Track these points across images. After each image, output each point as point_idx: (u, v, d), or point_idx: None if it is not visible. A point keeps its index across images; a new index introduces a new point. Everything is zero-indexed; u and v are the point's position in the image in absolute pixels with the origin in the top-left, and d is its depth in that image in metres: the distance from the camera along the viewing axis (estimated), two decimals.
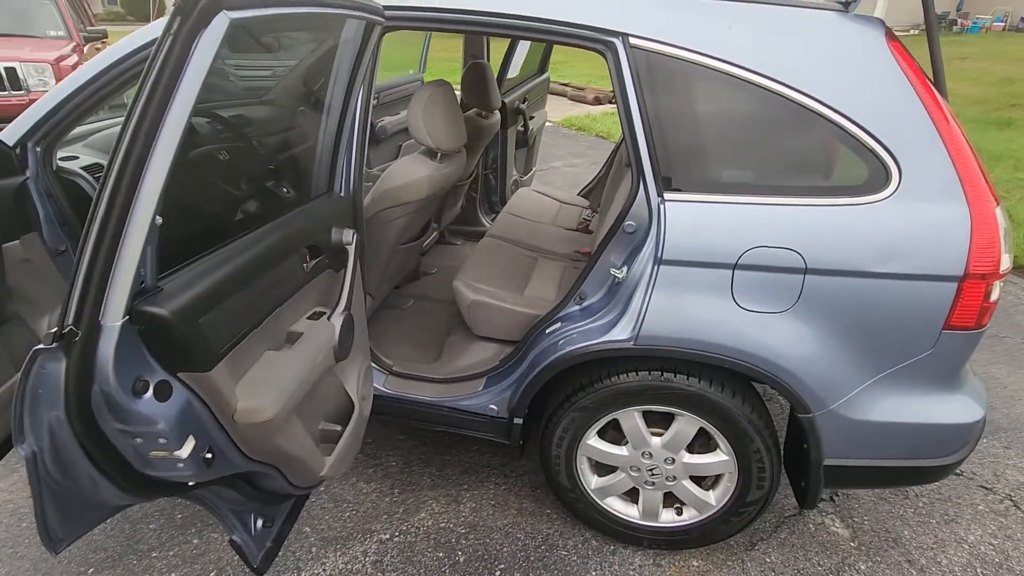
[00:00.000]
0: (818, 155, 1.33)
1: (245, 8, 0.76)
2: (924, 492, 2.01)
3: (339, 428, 1.34)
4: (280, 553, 1.72)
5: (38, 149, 1.72)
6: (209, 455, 0.85)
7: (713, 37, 1.31)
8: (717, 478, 1.63)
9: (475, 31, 1.60)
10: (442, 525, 1.83)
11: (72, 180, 1.80)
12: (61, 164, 1.83)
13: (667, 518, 1.71)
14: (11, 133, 1.67)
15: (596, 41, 1.37)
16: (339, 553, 1.73)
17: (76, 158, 1.88)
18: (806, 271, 1.30)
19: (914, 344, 1.33)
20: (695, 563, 1.72)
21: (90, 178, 1.83)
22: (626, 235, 1.44)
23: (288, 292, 1.05)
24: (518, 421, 1.65)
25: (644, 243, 1.39)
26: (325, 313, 1.20)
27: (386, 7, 1.42)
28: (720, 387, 1.46)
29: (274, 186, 1.28)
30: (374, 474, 2.02)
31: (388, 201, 1.72)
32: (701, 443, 1.59)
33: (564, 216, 2.68)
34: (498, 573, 1.68)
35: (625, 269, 1.43)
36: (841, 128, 1.27)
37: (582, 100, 9.56)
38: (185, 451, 0.79)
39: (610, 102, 9.45)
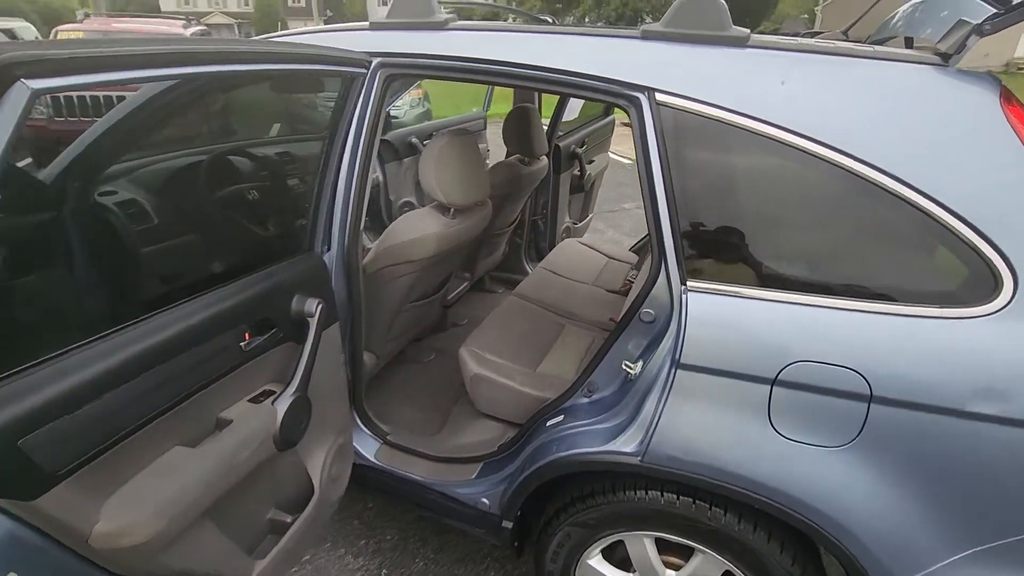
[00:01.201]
0: (897, 249, 1.02)
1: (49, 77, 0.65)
2: None
3: (290, 519, 1.18)
4: None
5: (76, 184, 1.78)
6: None
7: (760, 95, 1.06)
8: None
9: (483, 81, 1.45)
10: None
11: (106, 216, 1.84)
12: (98, 200, 1.88)
13: None
14: (53, 168, 1.73)
15: (619, 96, 1.16)
16: None
17: (115, 193, 1.93)
18: (871, 399, 0.99)
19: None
20: None
21: (122, 214, 1.87)
22: (644, 324, 1.19)
23: (210, 377, 0.91)
24: (507, 524, 1.42)
25: (663, 338, 1.14)
26: (275, 393, 1.06)
27: (385, 54, 1.30)
28: (752, 526, 1.15)
29: (203, 252, 1.18)
30: (365, 547, 1.85)
31: (391, 258, 1.58)
32: None
33: (609, 275, 2.42)
34: None
35: (640, 365, 1.18)
36: (929, 216, 0.96)
37: None
38: None
39: None
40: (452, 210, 1.63)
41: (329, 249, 1.38)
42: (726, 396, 1.08)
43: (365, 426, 1.66)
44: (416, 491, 1.57)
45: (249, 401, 1.03)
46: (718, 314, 1.08)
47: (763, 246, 1.10)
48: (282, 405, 1.04)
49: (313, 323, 1.11)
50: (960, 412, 0.95)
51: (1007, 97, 0.98)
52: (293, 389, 1.07)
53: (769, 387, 1.04)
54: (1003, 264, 0.94)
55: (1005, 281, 0.94)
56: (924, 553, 1.02)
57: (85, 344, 0.73)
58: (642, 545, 1.29)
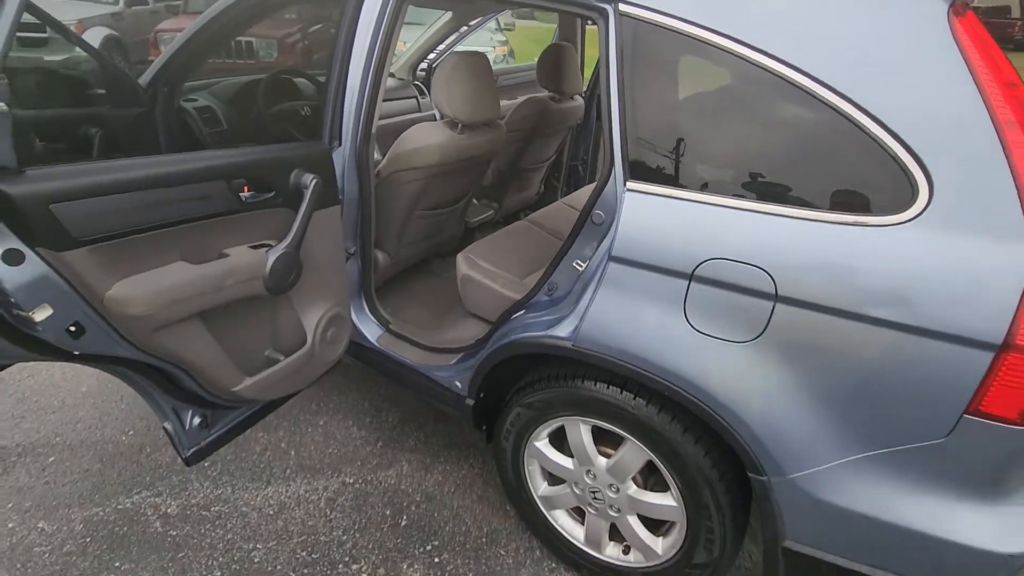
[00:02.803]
0: (819, 156, 1.03)
1: None
2: None
3: (282, 359, 1.44)
4: (261, 464, 1.92)
5: (165, 89, 2.13)
6: (73, 328, 0.99)
7: (711, 4, 1.10)
8: (671, 525, 1.40)
9: None
10: (402, 487, 1.86)
11: (184, 117, 2.18)
12: (182, 104, 2.24)
13: (612, 553, 1.52)
14: (147, 75, 2.09)
15: (590, 8, 1.24)
16: (306, 481, 1.86)
17: (196, 100, 2.28)
18: (777, 298, 1.04)
19: (920, 424, 0.99)
20: None
21: (198, 117, 2.21)
22: (595, 225, 1.29)
23: (209, 212, 1.15)
24: (469, 402, 1.60)
25: (606, 236, 1.24)
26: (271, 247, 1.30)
27: None
28: (671, 418, 1.25)
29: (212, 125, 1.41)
30: (369, 423, 2.13)
31: (400, 164, 1.77)
32: (657, 480, 1.38)
33: None
34: (430, 547, 1.66)
35: (588, 262, 1.29)
36: (853, 122, 0.98)
37: None
38: (39, 316, 0.94)
39: None
40: (460, 125, 1.78)
41: (340, 145, 1.58)
42: (648, 288, 1.17)
43: (371, 314, 1.90)
44: (406, 373, 1.79)
45: (249, 248, 1.27)
46: (648, 213, 1.16)
47: (696, 151, 1.15)
48: (273, 255, 1.28)
49: (307, 193, 1.32)
50: (862, 316, 0.98)
51: (959, 9, 0.96)
52: (284, 245, 1.30)
53: (686, 282, 1.12)
54: (921, 174, 0.94)
55: (921, 191, 0.95)
56: (814, 451, 1.07)
57: (110, 158, 0.98)
58: (579, 431, 1.42)
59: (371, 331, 1.88)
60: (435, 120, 1.99)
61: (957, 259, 0.92)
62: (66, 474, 1.84)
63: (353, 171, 1.65)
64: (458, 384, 1.65)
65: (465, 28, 3.24)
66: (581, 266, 1.31)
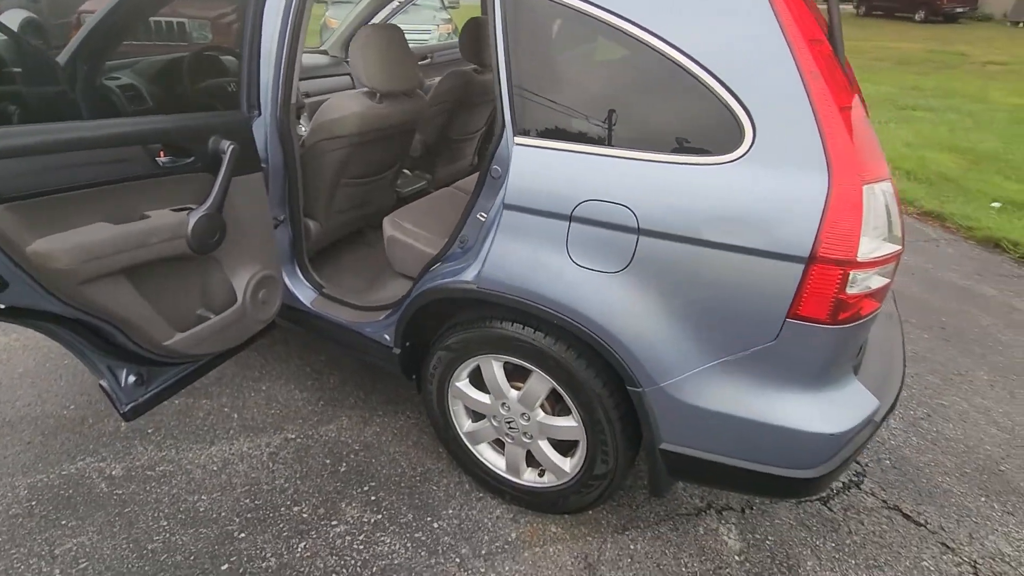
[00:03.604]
0: (663, 105, 1.20)
1: None
2: (861, 531, 1.75)
3: (213, 317, 1.54)
4: (204, 427, 2.01)
5: (84, 67, 2.14)
6: None
7: None
8: (575, 446, 1.59)
9: None
10: (342, 439, 1.99)
11: (107, 95, 2.20)
12: (104, 83, 2.25)
13: (529, 477, 1.70)
14: (64, 54, 2.09)
15: None
16: (248, 439, 1.97)
17: (119, 79, 2.29)
18: (639, 231, 1.21)
19: (754, 331, 1.18)
20: (554, 529, 1.70)
21: (121, 95, 2.23)
22: (493, 180, 1.43)
23: (127, 175, 1.24)
24: (396, 351, 1.73)
25: (502, 188, 1.38)
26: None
27: None
28: (565, 346, 1.41)
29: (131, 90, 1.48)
30: (311, 385, 2.24)
31: (322, 133, 1.87)
32: (562, 407, 1.55)
33: None
34: (367, 488, 1.80)
35: (488, 213, 1.44)
36: (691, 75, 1.15)
37: None
38: None
39: None
40: (378, 95, 1.89)
41: (260, 114, 1.67)
42: (536, 231, 1.32)
43: (305, 279, 2.00)
44: (339, 332, 1.91)
45: (172, 210, 1.36)
46: (533, 164, 1.31)
47: (569, 108, 1.30)
48: (194, 216, 1.37)
49: (225, 159, 1.41)
50: (704, 241, 1.16)
51: None
52: (205, 207, 1.39)
53: (567, 223, 1.28)
54: (746, 117, 1.12)
55: (747, 132, 1.13)
56: (677, 362, 1.26)
57: (31, 123, 1.06)
58: (492, 368, 1.58)
59: (306, 295, 1.98)
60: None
61: (775, 189, 1.11)
62: (7, 447, 1.89)
63: (275, 140, 1.74)
64: (386, 337, 1.78)
65: (397, 3, 3.30)
66: (484, 217, 1.45)
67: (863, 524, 1.78)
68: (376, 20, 3.33)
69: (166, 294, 1.41)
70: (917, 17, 20.34)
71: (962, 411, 2.31)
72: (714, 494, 1.84)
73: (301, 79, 2.94)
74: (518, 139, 1.33)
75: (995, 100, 8.76)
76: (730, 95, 1.13)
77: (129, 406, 1.49)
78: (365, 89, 1.89)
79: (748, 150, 1.13)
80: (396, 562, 1.58)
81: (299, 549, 1.60)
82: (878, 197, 1.10)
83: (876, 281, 1.14)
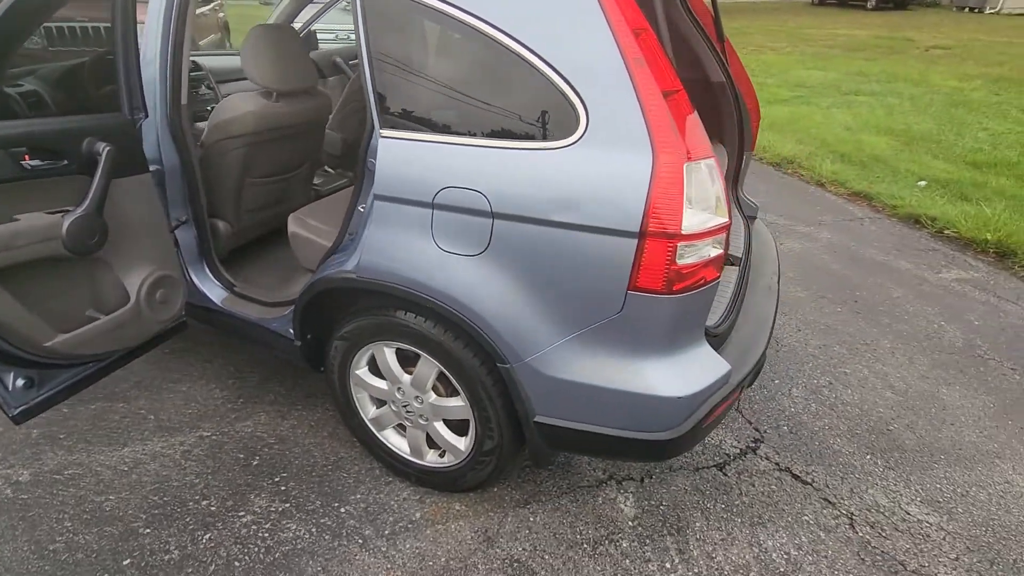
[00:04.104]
0: (507, 94, 1.27)
1: None
2: (751, 492, 1.85)
3: (101, 318, 1.57)
4: (119, 430, 2.02)
5: None
6: None
7: None
8: (467, 424, 1.65)
9: None
10: (258, 434, 2.03)
11: (8, 103, 2.19)
12: (5, 90, 2.23)
13: (431, 458, 1.76)
14: None
15: None
16: (162, 439, 1.99)
17: (21, 85, 2.28)
18: (493, 215, 1.28)
19: (602, 304, 1.26)
20: (458, 506, 1.76)
21: (23, 101, 2.22)
22: (370, 172, 1.49)
23: None
24: (297, 343, 1.78)
25: (373, 178, 1.44)
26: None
27: None
28: (444, 329, 1.48)
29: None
30: (231, 384, 2.27)
31: (219, 133, 1.90)
32: (452, 388, 1.62)
33: None
34: (278, 479, 1.85)
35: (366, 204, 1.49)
36: (531, 65, 1.21)
37: None
38: None
39: None
40: (274, 94, 1.92)
41: (146, 116, 1.69)
42: (403, 218, 1.38)
43: (216, 278, 2.03)
44: (250, 328, 1.94)
45: (47, 213, 1.38)
46: (397, 155, 1.37)
47: (426, 100, 1.36)
48: (68, 218, 1.39)
49: (101, 160, 1.44)
50: (551, 222, 1.23)
51: None
52: (81, 209, 1.42)
53: (430, 210, 1.34)
54: (580, 103, 1.20)
55: (581, 117, 1.20)
56: (539, 338, 1.34)
57: None
58: (384, 355, 1.63)
59: (216, 294, 2.01)
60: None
61: (607, 169, 1.18)
62: None
63: (169, 141, 1.77)
64: (291, 331, 1.83)
65: (320, 6, 3.32)
66: (363, 209, 1.51)
67: (754, 486, 1.88)
68: (300, 20, 3.35)
69: (46, 296, 1.43)
70: (869, 4, 20.93)
71: (862, 378, 2.44)
72: (616, 465, 1.93)
73: (226, 81, 2.96)
74: (383, 132, 1.39)
75: (935, 83, 9.09)
76: (565, 83, 1.20)
77: (18, 410, 1.50)
78: (261, 89, 1.92)
79: (583, 134, 1.20)
80: (299, 547, 1.63)
81: (203, 540, 1.64)
82: (701, 173, 1.18)
83: (707, 252, 1.22)
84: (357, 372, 1.73)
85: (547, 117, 1.23)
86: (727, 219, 1.23)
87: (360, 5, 1.36)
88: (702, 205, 1.19)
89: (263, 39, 1.84)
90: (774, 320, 1.72)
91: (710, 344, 1.44)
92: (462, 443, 1.66)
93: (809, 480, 1.91)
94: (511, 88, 1.26)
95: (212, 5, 8.82)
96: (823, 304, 3.00)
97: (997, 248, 3.65)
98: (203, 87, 2.80)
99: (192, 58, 2.88)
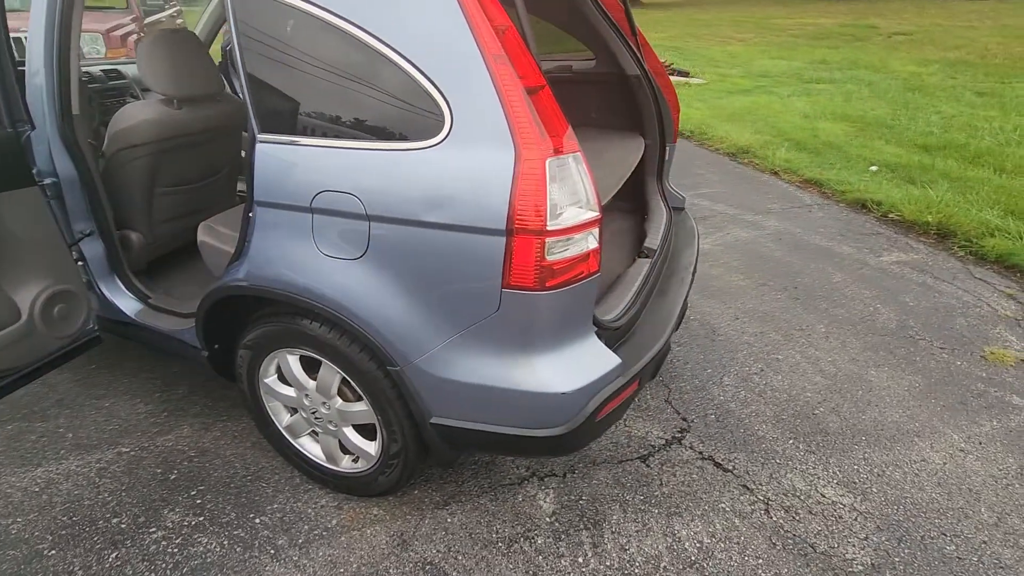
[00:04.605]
0: (378, 95, 1.26)
1: None
2: (672, 482, 1.86)
3: None
4: (34, 450, 1.98)
5: None
6: None
7: None
8: (374, 428, 1.64)
9: None
10: (180, 447, 2.00)
11: None
12: None
13: (346, 464, 1.75)
14: None
15: None
16: (79, 457, 1.95)
17: None
18: (368, 218, 1.27)
19: (480, 303, 1.26)
20: (376, 511, 1.75)
21: None
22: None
23: None
24: (204, 354, 1.75)
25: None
26: None
27: None
28: (339, 334, 1.46)
29: None
30: (157, 398, 2.23)
31: (119, 143, 1.86)
32: (358, 392, 1.60)
33: None
34: (195, 492, 1.82)
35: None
36: (396, 65, 1.21)
37: None
38: None
39: (679, 74, 8.92)
40: (175, 101, 1.89)
41: (33, 128, 1.65)
42: (286, 224, 1.37)
43: (129, 290, 1.99)
44: (164, 340, 1.91)
45: None
46: (274, 159, 1.36)
47: (298, 103, 1.35)
48: None
49: None
50: (423, 223, 1.23)
51: None
52: None
53: (309, 214, 1.33)
54: (444, 102, 1.19)
55: (446, 116, 1.19)
56: (424, 340, 1.33)
57: None
58: (288, 362, 1.62)
59: (130, 306, 1.97)
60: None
61: (472, 167, 1.18)
62: None
63: (62, 153, 1.73)
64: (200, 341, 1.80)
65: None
66: (252, 215, 1.49)
67: (675, 476, 1.89)
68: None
69: None
70: None
71: (794, 363, 2.47)
72: (538, 462, 1.93)
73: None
74: (260, 136, 1.37)
75: (894, 69, 9.22)
76: (429, 83, 1.19)
77: None
78: (162, 96, 1.89)
79: (448, 133, 1.19)
80: (209, 560, 1.61)
81: (110, 559, 1.61)
82: (567, 169, 1.18)
83: (581, 247, 1.22)
84: (266, 381, 1.71)
85: (414, 117, 1.22)
86: (597, 213, 1.23)
87: (230, 7, 1.34)
88: (570, 200, 1.19)
89: (159, 45, 1.81)
90: (682, 312, 1.73)
91: (609, 338, 1.45)
92: (372, 447, 1.65)
93: (730, 468, 1.92)
94: (379, 89, 1.25)
95: (169, 12, 8.70)
96: (763, 292, 3.04)
97: (938, 229, 3.71)
98: (128, 96, 2.75)
99: (117, 67, 2.84)
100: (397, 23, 1.20)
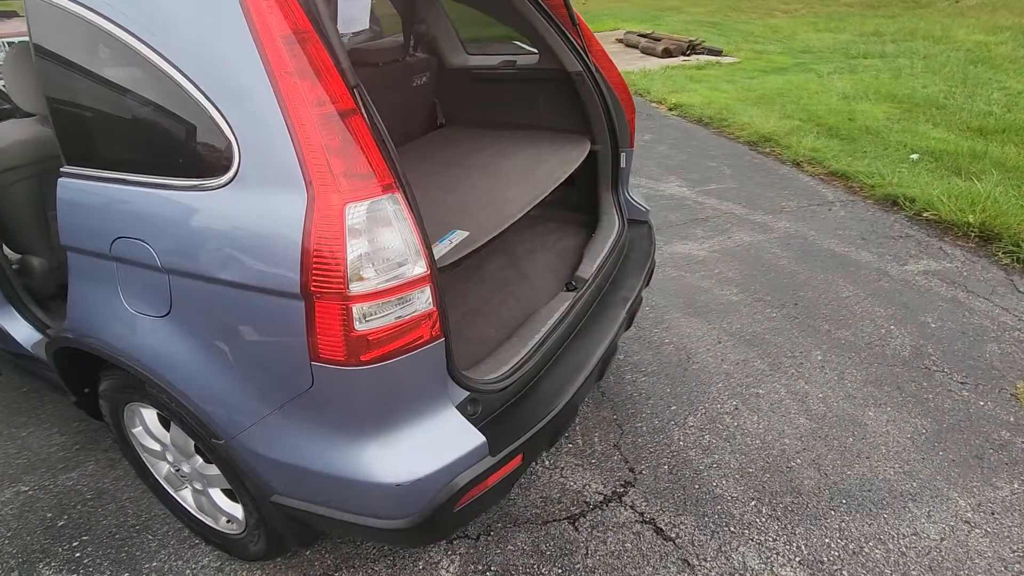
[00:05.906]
0: (167, 123, 1.03)
1: None
2: (600, 551, 1.60)
3: None
4: None
5: None
6: None
7: None
8: None
9: None
10: (79, 487, 1.88)
11: None
12: None
13: (223, 524, 1.57)
14: None
15: None
16: None
17: None
18: (165, 270, 1.06)
19: (292, 377, 1.02)
20: (258, 574, 1.58)
21: None
22: None
23: None
24: (73, 399, 1.61)
25: None
26: None
27: None
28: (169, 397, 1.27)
29: None
30: (75, 427, 2.13)
31: None
32: None
33: None
34: (76, 544, 1.69)
35: None
36: (180, 87, 0.97)
37: (652, 53, 8.63)
38: None
39: (683, 54, 8.42)
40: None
41: None
42: (92, 271, 1.18)
43: (26, 319, 1.87)
44: (52, 375, 1.78)
45: None
46: (74, 196, 1.16)
47: (94, 128, 1.14)
48: None
49: None
50: (216, 280, 1.00)
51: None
52: None
53: (111, 262, 1.13)
54: (231, 134, 0.96)
55: (234, 151, 0.96)
56: (244, 412, 1.11)
57: None
58: (142, 415, 1.44)
59: (26, 337, 1.85)
60: None
61: (262, 215, 0.94)
62: None
63: None
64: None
65: None
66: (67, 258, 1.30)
67: (604, 544, 1.63)
68: None
69: None
70: None
71: (776, 400, 2.13)
72: None
73: None
74: (65, 168, 1.17)
75: (957, 39, 8.30)
76: (213, 108, 0.96)
77: None
78: (36, 115, 1.73)
79: (237, 171, 0.96)
80: None
81: None
82: (378, 215, 0.93)
83: (403, 311, 0.97)
84: (133, 431, 1.54)
85: (201, 150, 0.99)
86: (425, 269, 0.97)
87: (28, 18, 1.15)
88: (384, 254, 0.93)
89: (26, 58, 1.64)
90: (605, 359, 1.45)
91: (492, 401, 1.20)
92: (239, 511, 1.46)
93: (672, 535, 1.64)
94: (167, 116, 1.03)
95: None
96: (757, 309, 2.67)
97: (980, 232, 3.21)
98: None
99: None
100: (169, 29, 0.96)
